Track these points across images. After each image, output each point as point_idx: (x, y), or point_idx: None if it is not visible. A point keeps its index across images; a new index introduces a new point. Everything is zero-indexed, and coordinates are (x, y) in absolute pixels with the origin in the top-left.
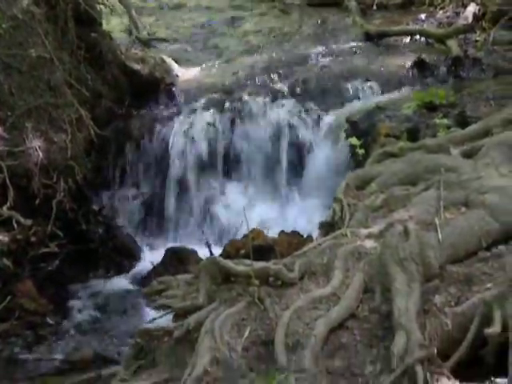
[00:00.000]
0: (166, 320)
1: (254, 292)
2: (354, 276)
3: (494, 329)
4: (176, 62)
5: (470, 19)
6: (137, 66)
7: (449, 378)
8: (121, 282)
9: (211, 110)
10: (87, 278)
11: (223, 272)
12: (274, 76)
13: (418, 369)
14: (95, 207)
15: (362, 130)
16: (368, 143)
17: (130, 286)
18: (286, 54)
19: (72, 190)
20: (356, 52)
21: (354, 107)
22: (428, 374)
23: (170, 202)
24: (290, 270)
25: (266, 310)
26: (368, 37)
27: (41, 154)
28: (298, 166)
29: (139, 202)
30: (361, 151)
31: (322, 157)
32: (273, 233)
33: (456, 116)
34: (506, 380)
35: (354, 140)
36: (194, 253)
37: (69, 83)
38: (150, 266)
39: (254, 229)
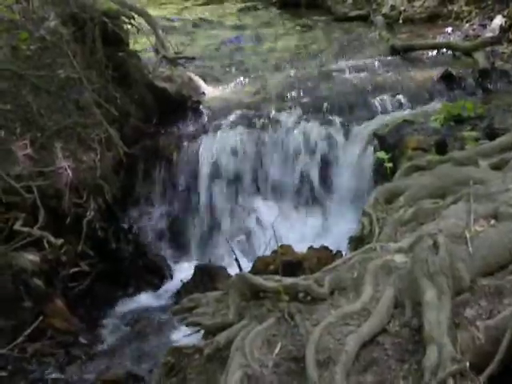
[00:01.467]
0: (196, 338)
1: (283, 308)
2: (384, 290)
3: None
4: (203, 79)
5: (497, 31)
6: (164, 85)
7: None
8: (151, 300)
9: (239, 127)
10: (118, 297)
11: (253, 288)
12: (302, 92)
13: (451, 383)
14: (124, 225)
15: (390, 144)
16: (396, 157)
17: (160, 304)
18: (312, 69)
19: (102, 208)
20: (383, 66)
21: (382, 121)
22: None
23: (199, 220)
24: (320, 285)
25: (296, 325)
26: (394, 51)
27: (70, 174)
28: (327, 180)
29: (168, 220)
30: (389, 165)
31: (351, 171)
32: (302, 248)
33: (484, 128)
34: None
35: (382, 154)
36: (224, 270)
37: (97, 103)
38: (179, 284)
39: (282, 244)
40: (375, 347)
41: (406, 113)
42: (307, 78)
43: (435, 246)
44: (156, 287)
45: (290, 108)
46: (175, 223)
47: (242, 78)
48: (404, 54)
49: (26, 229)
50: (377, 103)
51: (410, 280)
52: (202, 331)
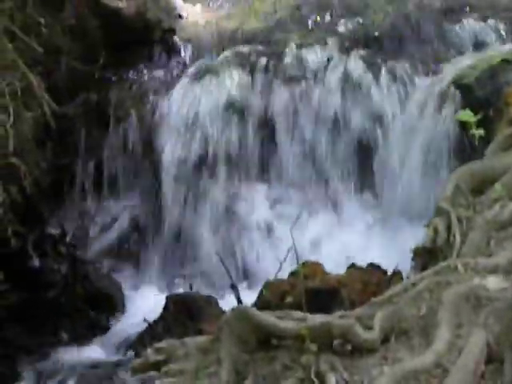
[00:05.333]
0: None
1: (309, 363)
2: (470, 335)
3: None
4: None
5: None
6: (116, 3)
7: None
8: (96, 350)
9: (235, 72)
10: (43, 345)
11: (259, 331)
12: (337, 14)
13: None
14: (54, 231)
15: (481, 99)
16: (490, 120)
17: (111, 356)
18: None
19: (16, 203)
20: None
21: (467, 62)
22: None
23: (171, 221)
24: (367, 326)
25: None
26: None
27: None
28: (372, 159)
29: (123, 222)
30: (478, 132)
31: (415, 143)
32: (338, 267)
33: None
34: None
35: (466, 115)
36: (212, 301)
37: (9, 32)
38: (140, 324)
39: (307, 262)
40: None
41: (507, 48)
42: None
43: None
44: (103, 329)
45: (315, 41)
46: (134, 226)
47: None
48: None
49: None
50: (458, 32)
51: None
52: None
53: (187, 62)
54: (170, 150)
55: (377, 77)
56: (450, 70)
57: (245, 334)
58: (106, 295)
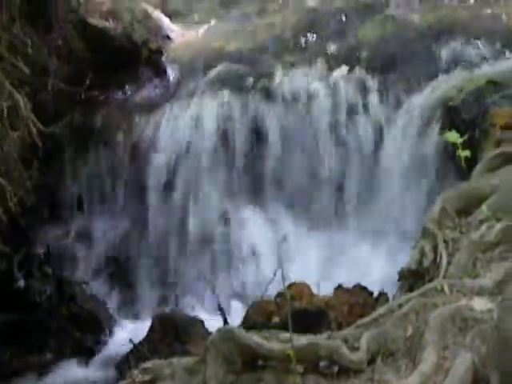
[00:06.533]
0: None
1: None
2: (456, 357)
3: None
4: (167, 14)
5: None
6: (104, 24)
7: None
8: (82, 372)
9: (224, 92)
10: (29, 366)
11: (245, 352)
12: (325, 35)
13: None
14: (39, 251)
15: (466, 120)
16: (476, 140)
17: (98, 377)
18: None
19: (1, 223)
20: None
21: (453, 83)
22: None
23: (157, 242)
24: (354, 347)
25: None
26: None
27: None
28: (363, 178)
29: (111, 242)
30: (464, 153)
31: (403, 162)
32: (325, 288)
33: None
34: None
35: (453, 135)
36: (198, 322)
37: None
38: (127, 345)
39: (294, 282)
40: None
41: (493, 69)
42: (335, 12)
43: None
44: (90, 351)
45: (304, 61)
46: (120, 248)
47: (229, 12)
48: None
49: None
50: (445, 53)
51: (497, 339)
52: None
53: (174, 82)
54: (157, 172)
55: (364, 97)
56: (437, 91)
57: (231, 354)
58: (93, 316)
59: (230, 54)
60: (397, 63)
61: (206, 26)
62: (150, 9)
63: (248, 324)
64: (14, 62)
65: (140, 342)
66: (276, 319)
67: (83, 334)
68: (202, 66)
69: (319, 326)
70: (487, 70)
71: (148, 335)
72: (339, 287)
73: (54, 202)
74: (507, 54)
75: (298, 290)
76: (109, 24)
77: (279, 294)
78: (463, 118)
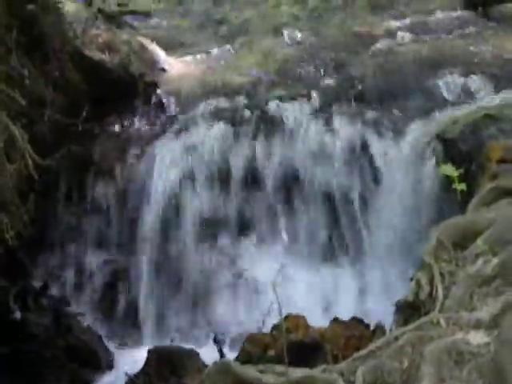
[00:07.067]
0: None
1: None
2: None
3: None
4: (162, 47)
5: None
6: (101, 56)
7: None
8: None
9: (218, 125)
10: None
11: None
12: (319, 68)
13: None
14: (35, 284)
15: (463, 153)
16: (472, 174)
17: None
18: (339, 31)
19: None
20: (451, 28)
21: (449, 116)
22: None
23: (154, 275)
24: (350, 381)
25: None
26: (470, 3)
27: None
28: (361, 213)
29: (106, 275)
30: (460, 187)
31: (399, 197)
32: (321, 321)
33: None
34: None
35: (449, 169)
36: (194, 355)
37: None
38: (124, 377)
39: (290, 315)
40: None
41: (488, 103)
42: (329, 47)
43: None
44: (86, 383)
45: (300, 94)
46: (117, 280)
47: (223, 46)
48: (485, 8)
49: None
50: (441, 87)
51: (494, 373)
52: None
53: (170, 115)
54: (153, 208)
55: (358, 131)
56: (433, 124)
57: None
58: (89, 348)
59: (226, 86)
60: (393, 97)
61: (201, 58)
62: (146, 41)
63: (243, 357)
64: (10, 93)
65: (135, 375)
66: (272, 352)
67: (80, 366)
68: (197, 98)
69: (315, 358)
70: (485, 103)
71: (144, 368)
72: (335, 319)
73: (52, 234)
74: (500, 88)
75: (293, 322)
76: (105, 56)
77: (275, 327)
78: (460, 150)
